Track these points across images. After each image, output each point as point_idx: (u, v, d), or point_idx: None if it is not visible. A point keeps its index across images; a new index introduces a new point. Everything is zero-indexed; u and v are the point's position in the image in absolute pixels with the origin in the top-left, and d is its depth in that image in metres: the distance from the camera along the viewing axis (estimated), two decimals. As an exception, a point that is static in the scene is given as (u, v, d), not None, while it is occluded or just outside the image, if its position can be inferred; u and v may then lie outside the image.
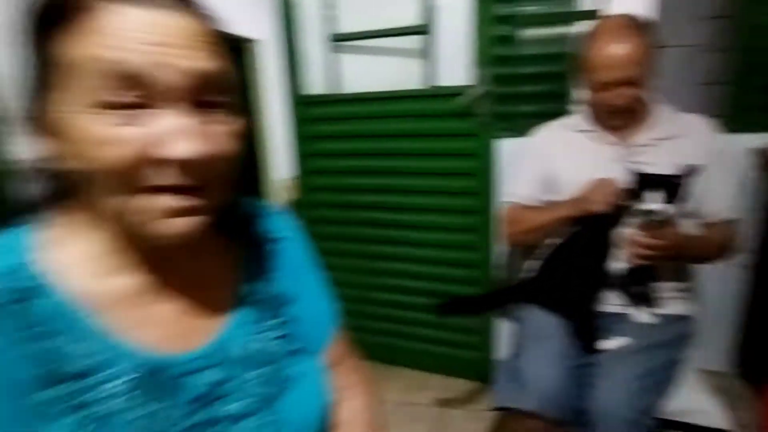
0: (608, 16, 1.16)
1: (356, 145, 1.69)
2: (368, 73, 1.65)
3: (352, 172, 1.72)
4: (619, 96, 1.06)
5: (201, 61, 0.38)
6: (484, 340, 1.70)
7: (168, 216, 0.40)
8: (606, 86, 1.06)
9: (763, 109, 1.48)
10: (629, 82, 1.04)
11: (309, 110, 1.71)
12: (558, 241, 1.14)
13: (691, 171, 0.97)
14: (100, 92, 0.35)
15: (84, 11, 0.36)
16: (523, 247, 1.37)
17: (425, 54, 1.55)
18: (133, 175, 0.37)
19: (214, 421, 0.46)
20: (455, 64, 1.53)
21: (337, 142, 1.72)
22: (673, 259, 1.07)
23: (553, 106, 1.61)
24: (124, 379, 0.42)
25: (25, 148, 0.44)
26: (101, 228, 0.44)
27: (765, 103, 1.48)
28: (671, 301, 1.12)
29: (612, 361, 1.01)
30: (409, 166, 1.64)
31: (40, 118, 0.40)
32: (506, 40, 1.57)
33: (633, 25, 1.05)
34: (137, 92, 0.36)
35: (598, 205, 1.04)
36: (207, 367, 0.47)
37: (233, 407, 0.48)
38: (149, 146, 0.37)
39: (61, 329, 0.40)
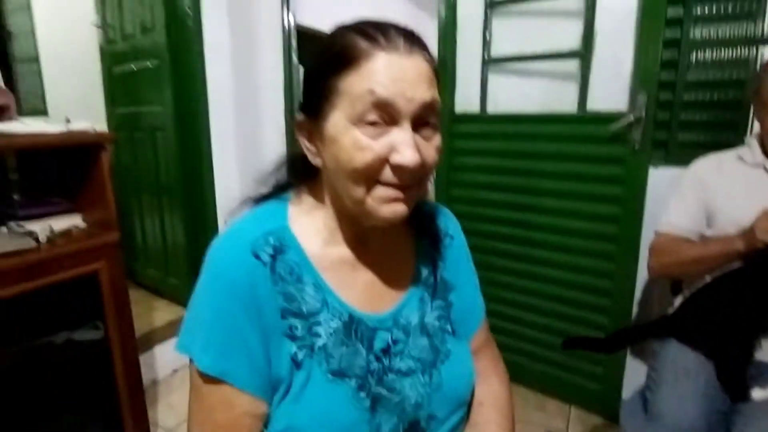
0: None
1: (502, 162, 1.75)
2: (521, 94, 1.70)
3: (494, 188, 1.78)
4: None
5: (425, 93, 0.51)
6: (611, 374, 1.63)
7: (386, 203, 0.53)
8: None
9: None
10: None
11: (459, 126, 1.83)
12: (713, 276, 1.08)
13: None
14: (361, 113, 0.50)
15: (360, 58, 0.49)
16: (671, 281, 1.30)
17: (580, 77, 1.56)
18: (371, 172, 0.51)
19: (390, 370, 0.59)
20: (610, 88, 1.52)
21: (483, 157, 1.80)
22: None
23: (716, 136, 1.51)
24: (333, 323, 0.57)
25: (287, 144, 0.61)
26: (324, 209, 0.60)
27: None
28: None
29: (761, 412, 0.93)
30: (552, 188, 1.65)
31: (311, 126, 0.56)
32: (670, 64, 1.51)
33: None
34: (382, 114, 0.50)
35: None
36: (388, 328, 0.60)
37: (403, 364, 0.60)
38: (385, 153, 0.50)
39: (301, 278, 0.56)
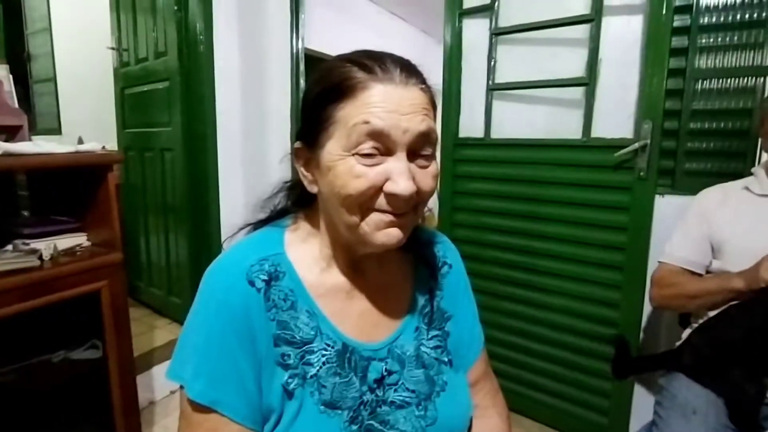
0: None
1: (506, 188, 1.74)
2: (526, 120, 1.71)
3: (498, 213, 1.77)
4: None
5: (420, 124, 0.51)
6: (618, 407, 1.58)
7: (381, 229, 0.52)
8: None
9: None
10: None
11: (463, 151, 1.83)
12: (722, 309, 1.05)
13: None
14: (356, 142, 0.50)
15: (357, 88, 0.50)
16: (679, 313, 1.27)
17: (585, 105, 1.56)
18: (365, 200, 0.51)
19: (384, 402, 0.57)
20: (615, 116, 1.52)
21: (487, 183, 1.79)
22: None
23: (724, 165, 1.50)
24: (326, 352, 0.56)
25: (293, 169, 0.61)
26: (321, 236, 0.60)
27: None
28: None
29: None
30: (557, 214, 1.64)
31: (308, 153, 0.56)
32: (675, 93, 1.51)
33: None
34: (377, 144, 0.50)
35: None
36: (383, 358, 0.59)
37: (397, 396, 0.58)
38: (380, 182, 0.50)
39: (295, 305, 0.56)
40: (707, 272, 1.16)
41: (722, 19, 1.50)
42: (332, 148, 0.52)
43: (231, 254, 0.57)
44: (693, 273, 1.16)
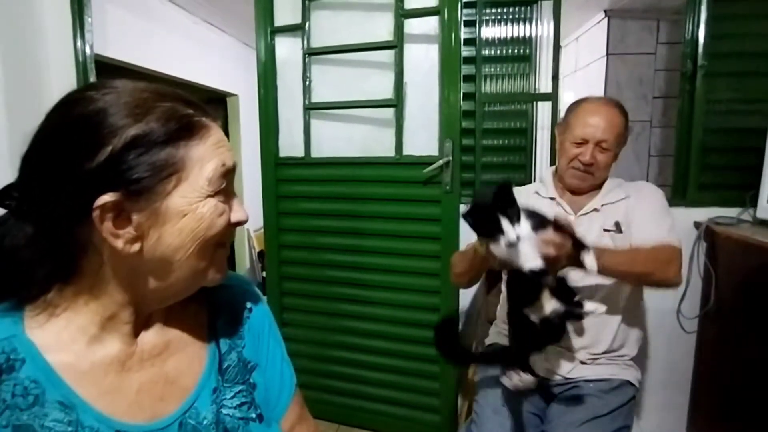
0: (590, 97, 1.25)
1: (329, 205, 1.75)
2: (344, 139, 1.74)
3: (324, 232, 1.76)
4: (586, 155, 1.16)
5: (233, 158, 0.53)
6: (446, 404, 1.70)
7: (222, 266, 0.54)
8: (580, 145, 1.17)
9: (706, 187, 1.60)
10: (602, 146, 1.15)
11: (284, 171, 1.79)
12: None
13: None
14: (217, 183, 0.49)
15: (202, 128, 0.49)
16: (486, 314, 1.41)
17: (395, 125, 1.65)
18: (225, 234, 0.51)
19: None
20: (423, 135, 1.64)
21: (311, 202, 1.77)
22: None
23: (511, 177, 1.76)
24: None
25: None
26: (93, 303, 0.48)
27: (709, 181, 1.60)
28: (616, 368, 1.17)
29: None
30: (376, 228, 1.70)
31: (129, 206, 0.45)
32: (469, 114, 1.71)
33: (615, 104, 1.19)
34: (226, 181, 0.51)
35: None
36: None
37: None
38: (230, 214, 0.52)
39: (40, 399, 0.44)
40: None
41: (499, 52, 1.76)
42: (186, 192, 0.47)
43: None
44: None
